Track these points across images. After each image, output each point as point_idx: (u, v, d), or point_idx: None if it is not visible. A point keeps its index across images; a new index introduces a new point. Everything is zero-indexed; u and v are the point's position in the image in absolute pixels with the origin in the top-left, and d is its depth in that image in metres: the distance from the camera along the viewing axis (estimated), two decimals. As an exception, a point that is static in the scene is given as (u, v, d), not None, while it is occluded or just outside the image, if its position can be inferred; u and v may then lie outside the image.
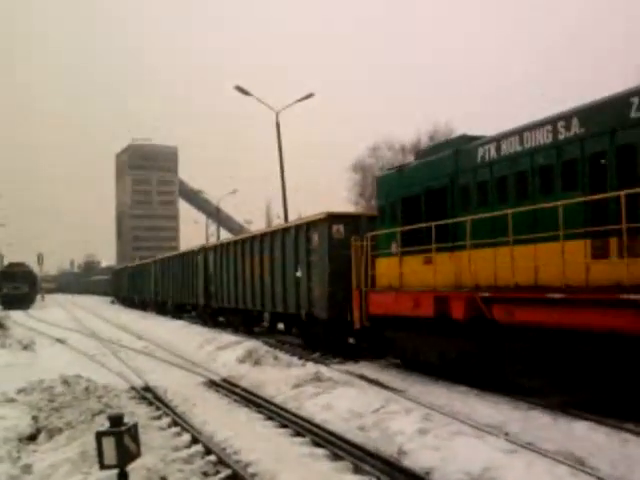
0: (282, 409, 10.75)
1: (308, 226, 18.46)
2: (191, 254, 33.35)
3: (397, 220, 14.21)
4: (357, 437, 8.76)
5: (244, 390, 12.62)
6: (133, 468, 6.40)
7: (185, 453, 8.38)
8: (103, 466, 5.88)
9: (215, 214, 73.21)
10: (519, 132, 11.22)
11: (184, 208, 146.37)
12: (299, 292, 18.70)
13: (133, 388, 13.00)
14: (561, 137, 10.29)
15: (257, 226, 65.47)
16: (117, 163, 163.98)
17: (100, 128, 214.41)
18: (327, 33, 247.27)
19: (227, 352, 17.69)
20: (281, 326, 23.65)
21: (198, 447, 8.65)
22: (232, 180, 74.73)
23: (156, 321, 33.50)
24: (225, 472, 7.62)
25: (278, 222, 38.01)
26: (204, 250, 30.75)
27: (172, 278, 37.11)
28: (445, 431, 8.44)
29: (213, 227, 73.06)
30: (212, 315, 29.05)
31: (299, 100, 32.14)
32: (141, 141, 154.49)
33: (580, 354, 9.33)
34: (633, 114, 9.04)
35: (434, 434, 8.34)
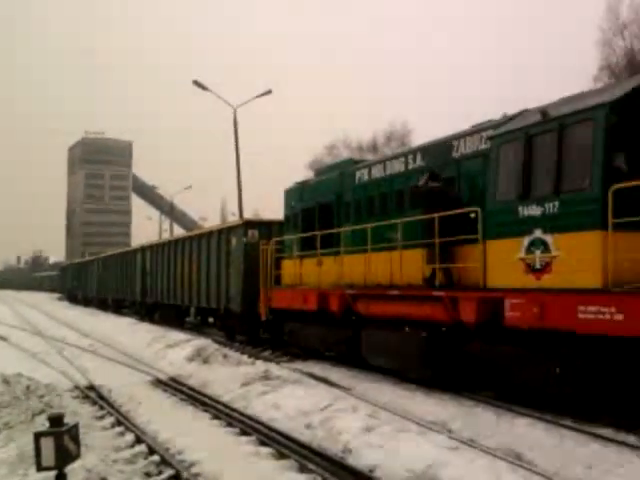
0: (229, 408, 10.56)
1: (228, 231, 20.97)
2: (131, 253, 35.25)
3: (298, 227, 16.61)
4: (303, 436, 8.69)
5: (191, 389, 12.37)
6: (72, 469, 6.22)
7: (128, 453, 8.14)
8: (40, 468, 5.72)
9: (169, 210, 72.24)
10: (384, 161, 13.79)
11: (138, 204, 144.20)
12: (219, 289, 21.00)
13: (77, 387, 12.64)
14: (410, 167, 12.64)
15: (212, 223, 64.88)
16: (69, 157, 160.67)
17: (53, 120, 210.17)
18: (291, 32, 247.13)
19: (175, 350, 17.33)
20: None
21: (141, 447, 8.41)
22: (188, 177, 74.20)
23: (101, 318, 33.01)
24: (168, 472, 7.40)
25: (233, 219, 37.75)
26: (142, 249, 32.67)
27: (113, 275, 38.46)
28: (390, 428, 8.45)
29: (168, 223, 72.01)
30: (148, 311, 30.54)
31: (257, 96, 32.11)
32: (94, 135, 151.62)
33: (407, 337, 11.52)
34: (454, 154, 11.38)
35: (379, 432, 8.32)
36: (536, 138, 9.05)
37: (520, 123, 9.60)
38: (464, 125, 11.96)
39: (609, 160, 8.05)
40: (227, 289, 20.35)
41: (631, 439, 7.76)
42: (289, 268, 16.70)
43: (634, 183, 7.68)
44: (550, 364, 8.57)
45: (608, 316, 7.60)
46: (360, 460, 7.45)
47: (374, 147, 54.69)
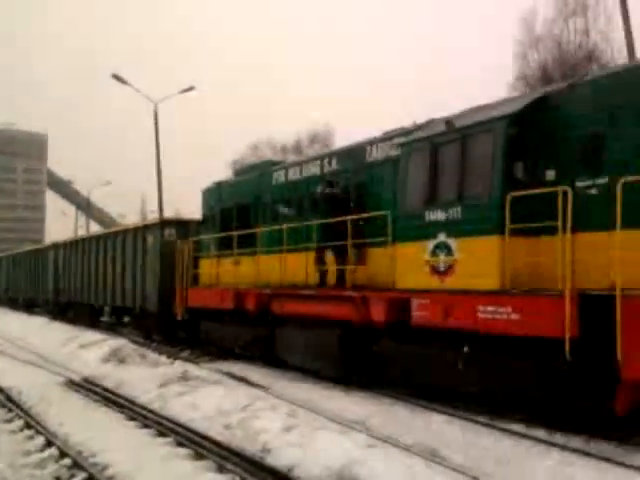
0: (146, 409, 10.46)
1: (145, 229, 20.79)
2: (43, 250, 34.37)
3: (216, 227, 16.74)
4: (222, 436, 8.67)
5: (106, 390, 12.16)
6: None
7: (37, 457, 7.97)
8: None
9: (86, 207, 70.22)
10: (301, 163, 14.20)
11: (54, 199, 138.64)
12: (135, 288, 20.90)
13: (-16, 390, 12.16)
14: (325, 171, 13.05)
15: (131, 220, 63.49)
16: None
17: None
18: (214, 32, 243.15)
19: (90, 350, 16.99)
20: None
21: (52, 450, 8.24)
22: (107, 173, 72.31)
23: (12, 317, 31.87)
24: (81, 475, 7.30)
25: (154, 217, 37.25)
26: (55, 247, 31.79)
27: (24, 273, 37.34)
28: (309, 427, 8.52)
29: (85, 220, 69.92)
30: (61, 310, 29.99)
31: (180, 92, 31.84)
32: (4, 126, 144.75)
33: (320, 336, 11.85)
34: (367, 159, 11.85)
35: (298, 430, 8.38)
36: (441, 147, 9.54)
37: (427, 132, 10.09)
38: (390, 126, 12.39)
39: (508, 169, 8.61)
40: (143, 288, 20.28)
41: (541, 434, 8.19)
42: (206, 268, 16.86)
43: (530, 191, 8.27)
44: (453, 362, 9.07)
45: (505, 316, 8.16)
46: (279, 459, 7.48)
47: (298, 148, 55.00)
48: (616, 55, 33.88)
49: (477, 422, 8.93)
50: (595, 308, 7.36)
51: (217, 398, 10.56)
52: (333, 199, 12.11)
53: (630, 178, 7.15)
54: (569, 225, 7.61)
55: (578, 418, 8.03)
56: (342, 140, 40.25)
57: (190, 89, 31.83)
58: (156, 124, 30.95)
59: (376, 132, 12.56)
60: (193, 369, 13.80)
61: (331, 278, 11.99)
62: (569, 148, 8.39)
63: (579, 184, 8.17)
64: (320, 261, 12.17)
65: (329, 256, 12.04)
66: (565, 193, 7.70)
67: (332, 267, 11.89)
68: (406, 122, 11.85)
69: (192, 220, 19.80)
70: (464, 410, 9.46)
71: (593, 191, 8.05)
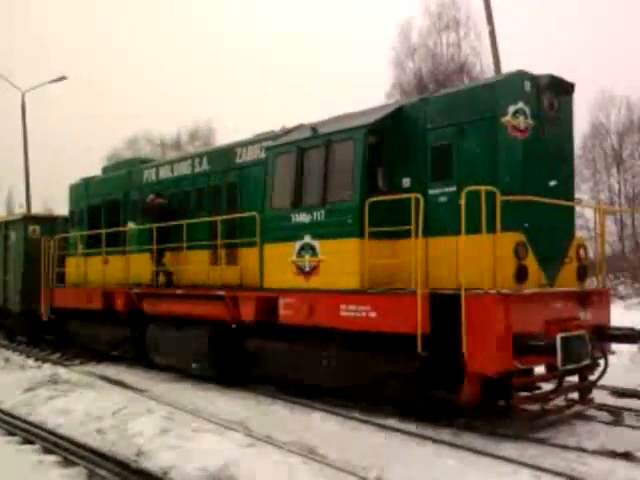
0: (10, 415, 10.09)
1: (7, 225, 19.96)
2: None
3: (84, 225, 16.46)
4: (94, 441, 8.50)
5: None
6: None
7: None
8: None
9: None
10: (172, 162, 14.26)
11: None
12: None
13: None
14: (196, 171, 13.24)
15: (-1, 214, 59.45)
16: None
17: None
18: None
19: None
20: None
21: None
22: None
23: None
24: None
25: (21, 211, 35.40)
26: None
27: None
28: (187, 429, 8.57)
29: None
30: None
31: (50, 82, 30.49)
32: None
33: (191, 336, 12.04)
34: (237, 160, 12.16)
35: (175, 433, 8.41)
36: (307, 152, 9.94)
37: (294, 137, 10.48)
38: (272, 126, 12.56)
39: (367, 176, 9.15)
40: (5, 287, 19.64)
41: (412, 428, 8.61)
42: (74, 266, 16.52)
43: (387, 197, 8.89)
44: (318, 358, 9.56)
45: (365, 314, 8.73)
46: (154, 463, 7.43)
47: (178, 144, 53.89)
48: (485, 69, 36.03)
49: (354, 418, 9.26)
50: (445, 306, 8.03)
51: (89, 402, 10.41)
52: (162, 208, 13.29)
53: (471, 187, 7.89)
54: (420, 229, 8.22)
55: (434, 409, 8.71)
56: (224, 138, 40.02)
57: (61, 79, 30.46)
58: (23, 116, 29.55)
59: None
60: (63, 372, 13.44)
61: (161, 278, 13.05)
62: (422, 158, 9.07)
63: (431, 192, 8.89)
64: (159, 262, 12.95)
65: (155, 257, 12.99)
66: (417, 200, 8.33)
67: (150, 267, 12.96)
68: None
69: (59, 217, 19.13)
70: (342, 407, 9.79)
71: (443, 199, 8.78)
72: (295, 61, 78.04)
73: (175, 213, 12.98)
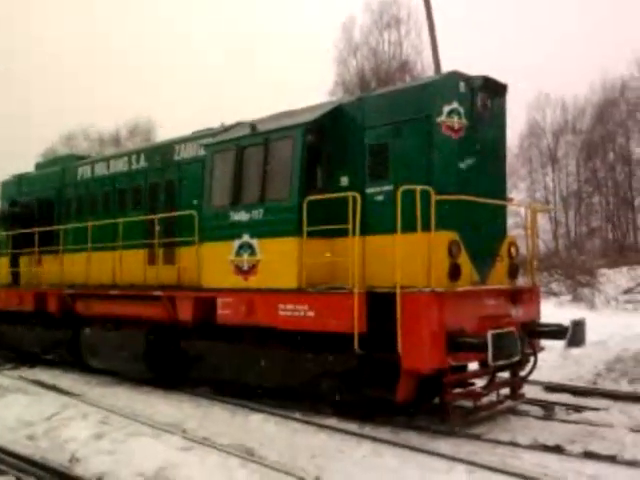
0: None
1: None
2: None
3: (16, 223, 15.76)
4: (25, 448, 8.31)
5: None
6: None
7: None
8: None
9: None
10: (108, 159, 14.01)
11: None
12: None
13: None
14: (133, 168, 13.03)
15: None
16: None
17: None
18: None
19: None
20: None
21: None
22: None
23: None
24: None
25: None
26: None
27: None
28: (122, 433, 8.48)
29: None
30: None
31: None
32: None
33: (126, 337, 11.88)
34: (175, 157, 12.06)
35: (111, 437, 8.32)
36: (246, 149, 9.88)
37: (233, 134, 10.40)
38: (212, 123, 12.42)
39: (305, 175, 9.16)
40: None
41: (352, 427, 8.67)
42: (4, 267, 16.10)
43: (324, 196, 8.92)
44: (256, 358, 9.53)
45: (302, 313, 8.74)
46: (88, 468, 7.33)
47: (117, 140, 52.73)
48: (426, 67, 36.58)
49: (294, 419, 9.24)
50: (381, 305, 8.11)
51: (20, 407, 10.21)
52: (14, 217, 14.57)
53: (406, 187, 7.99)
54: (358, 228, 8.28)
55: (372, 407, 8.79)
56: (165, 133, 39.35)
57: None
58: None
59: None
60: (-6, 377, 13.04)
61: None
62: (360, 157, 9.13)
63: (368, 190, 8.96)
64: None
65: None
66: (355, 198, 8.39)
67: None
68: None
69: None
70: (282, 408, 9.76)
71: (380, 197, 8.86)
72: (231, 60, 77.28)
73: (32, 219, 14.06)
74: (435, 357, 7.74)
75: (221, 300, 9.88)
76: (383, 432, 8.50)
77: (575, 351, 14.12)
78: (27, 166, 18.66)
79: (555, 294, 25.76)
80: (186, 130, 12.70)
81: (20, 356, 15.47)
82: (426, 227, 7.93)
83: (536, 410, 9.56)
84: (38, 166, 17.38)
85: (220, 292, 9.94)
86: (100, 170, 13.88)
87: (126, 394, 11.55)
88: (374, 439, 8.19)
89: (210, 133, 11.42)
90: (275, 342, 9.37)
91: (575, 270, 27.15)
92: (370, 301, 8.24)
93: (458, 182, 8.62)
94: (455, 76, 8.87)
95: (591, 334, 15.37)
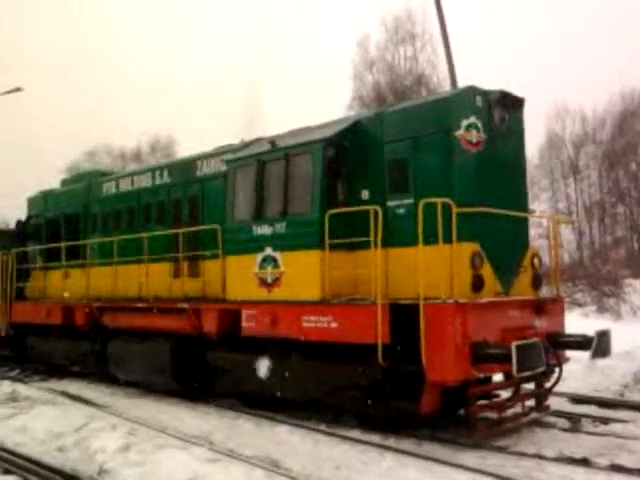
0: None
1: None
2: None
3: (42, 238, 16.33)
4: (55, 459, 8.41)
5: None
6: None
7: None
8: None
9: None
10: (132, 175, 14.26)
11: None
12: None
13: None
14: (157, 183, 13.26)
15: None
16: None
17: None
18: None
19: None
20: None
21: None
22: None
23: None
24: None
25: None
26: None
27: None
28: (150, 445, 8.51)
29: None
30: None
31: (4, 93, 29.87)
32: None
33: (153, 349, 11.92)
34: (198, 173, 12.25)
35: (138, 449, 8.36)
36: (267, 165, 10.04)
37: (253, 150, 10.57)
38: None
39: (327, 188, 9.29)
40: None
41: (375, 439, 8.68)
42: (33, 280, 16.41)
43: (346, 209, 9.03)
44: (281, 370, 9.60)
45: (326, 325, 8.82)
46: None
47: (138, 156, 53.33)
48: (442, 81, 36.66)
49: (319, 430, 9.30)
50: (405, 316, 8.16)
51: (50, 419, 10.32)
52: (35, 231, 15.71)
53: (427, 200, 8.06)
54: (379, 240, 8.35)
55: (396, 419, 8.78)
56: (185, 149, 39.71)
57: (17, 90, 29.91)
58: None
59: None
60: (23, 389, 13.25)
61: None
62: (380, 171, 9.24)
63: (390, 204, 9.06)
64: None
65: None
66: (376, 212, 8.47)
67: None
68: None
69: (13, 230, 18.59)
70: (308, 419, 9.81)
71: (401, 211, 8.96)
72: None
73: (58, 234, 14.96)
74: (459, 368, 7.75)
75: (245, 312, 9.99)
76: (407, 444, 8.50)
77: (601, 362, 13.95)
78: (52, 181, 19.05)
79: (580, 305, 25.48)
80: (206, 143, 12.95)
81: (49, 368, 15.69)
82: (448, 239, 7.99)
83: (562, 422, 9.50)
84: (64, 182, 17.71)
85: (244, 304, 10.06)
86: (125, 186, 14.16)
87: (152, 406, 11.65)
88: (397, 451, 8.19)
89: (231, 149, 11.60)
90: (299, 353, 9.44)
91: (600, 280, 26.88)
92: (394, 313, 8.29)
93: (478, 194, 8.67)
94: (472, 90, 8.95)
95: (617, 345, 15.07)
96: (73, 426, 9.76)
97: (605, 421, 9.47)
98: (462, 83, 14.06)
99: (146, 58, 70.83)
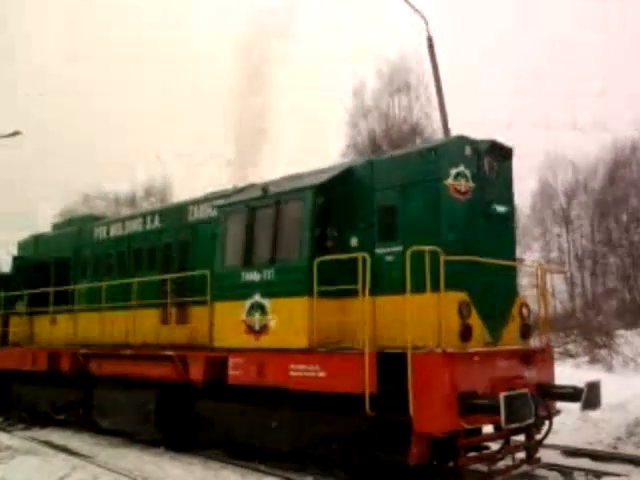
0: None
1: None
2: None
3: (30, 282, 15.95)
4: None
5: None
6: None
7: None
8: None
9: None
10: (123, 220, 14.36)
11: None
12: None
13: None
14: (147, 228, 13.33)
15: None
16: None
17: None
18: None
19: None
20: None
21: None
22: None
23: None
24: None
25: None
26: None
27: None
28: None
29: None
30: None
31: (3, 137, 30.01)
32: None
33: (137, 398, 11.67)
34: (189, 218, 12.33)
35: None
36: (257, 211, 10.07)
37: (245, 196, 10.62)
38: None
39: (315, 235, 9.29)
40: None
41: None
42: (18, 326, 16.16)
43: (334, 256, 9.01)
44: (268, 420, 9.43)
45: (314, 373, 8.70)
46: None
47: (132, 201, 53.46)
48: (436, 130, 37.16)
49: None
50: (392, 365, 8.05)
51: (30, 469, 10.17)
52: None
53: (415, 248, 8.06)
54: (367, 288, 8.33)
55: (385, 471, 8.58)
56: (180, 194, 39.79)
57: (15, 134, 30.09)
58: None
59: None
60: (5, 438, 13.09)
61: None
62: (369, 218, 9.28)
63: (378, 251, 9.05)
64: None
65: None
66: (364, 259, 8.46)
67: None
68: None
69: (2, 273, 18.58)
70: (294, 471, 9.62)
71: (390, 258, 8.94)
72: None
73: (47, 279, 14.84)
74: (447, 419, 7.63)
75: (232, 360, 9.87)
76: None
77: (594, 414, 13.74)
78: (43, 226, 19.04)
79: (572, 355, 25.32)
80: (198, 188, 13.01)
81: (33, 416, 15.37)
82: (436, 288, 7.95)
83: (554, 476, 9.35)
84: (55, 226, 17.77)
85: (231, 352, 9.94)
86: (115, 230, 14.17)
87: (137, 456, 11.45)
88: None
89: (223, 194, 11.65)
90: (286, 403, 9.29)
91: (592, 331, 26.76)
92: (381, 361, 8.19)
93: (466, 243, 8.69)
94: (461, 140, 9.07)
95: (610, 397, 14.92)
96: (54, 477, 9.63)
97: (598, 474, 9.33)
98: (455, 132, 14.22)
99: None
